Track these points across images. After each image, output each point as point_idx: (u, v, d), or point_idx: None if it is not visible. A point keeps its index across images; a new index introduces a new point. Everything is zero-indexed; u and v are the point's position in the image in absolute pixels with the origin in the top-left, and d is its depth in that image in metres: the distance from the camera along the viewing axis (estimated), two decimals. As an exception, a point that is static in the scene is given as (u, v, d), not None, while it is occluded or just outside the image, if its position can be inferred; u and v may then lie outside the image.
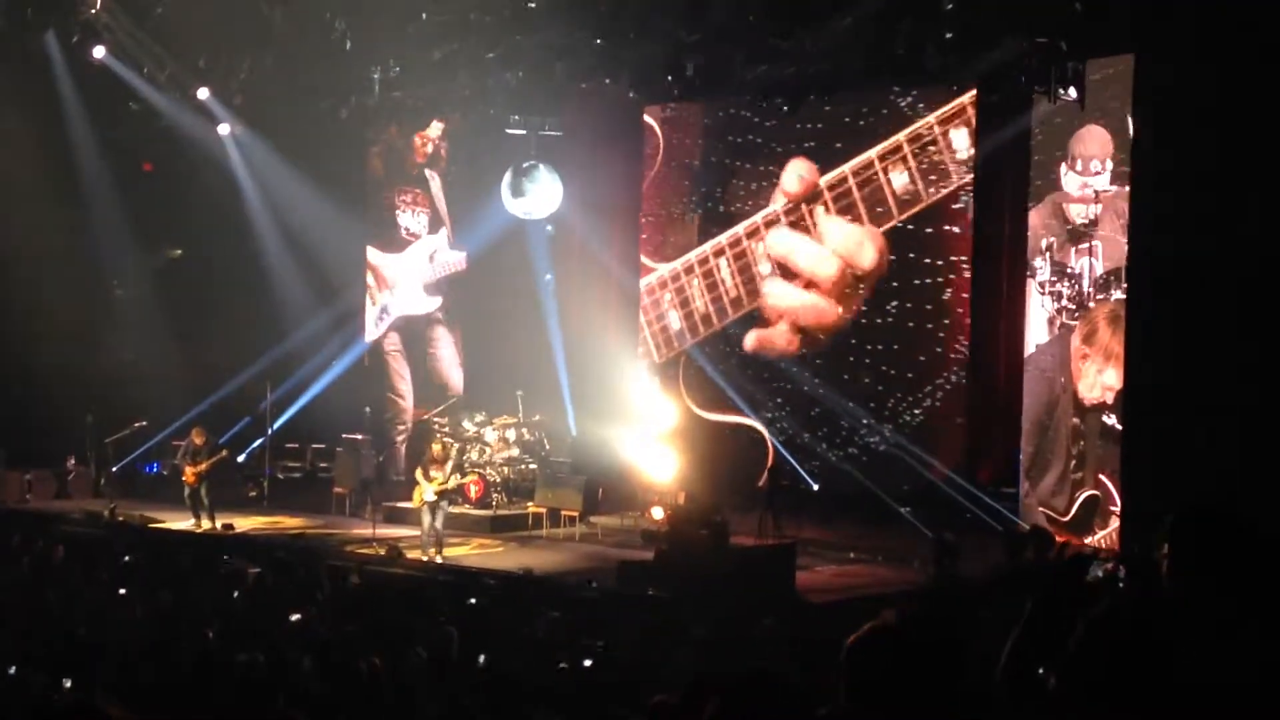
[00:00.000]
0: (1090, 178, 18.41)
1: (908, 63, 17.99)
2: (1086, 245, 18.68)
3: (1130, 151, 17.32)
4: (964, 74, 18.64)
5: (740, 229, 21.31)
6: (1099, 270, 18.60)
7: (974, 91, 19.50)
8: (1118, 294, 18.10)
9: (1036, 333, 19.11)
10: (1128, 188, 17.54)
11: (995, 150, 19.68)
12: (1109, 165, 18.22)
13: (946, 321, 20.42)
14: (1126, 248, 17.63)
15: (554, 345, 22.73)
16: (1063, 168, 18.89)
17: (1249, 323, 15.57)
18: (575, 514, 19.41)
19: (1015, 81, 17.63)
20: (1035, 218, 18.98)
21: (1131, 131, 17.17)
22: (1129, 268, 17.56)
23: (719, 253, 20.82)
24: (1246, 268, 15.64)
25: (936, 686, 2.94)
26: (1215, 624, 3.28)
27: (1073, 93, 16.98)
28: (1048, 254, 19.48)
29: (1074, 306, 19.02)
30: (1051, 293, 19.56)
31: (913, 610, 3.09)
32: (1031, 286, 19.05)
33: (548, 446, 20.93)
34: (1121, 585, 11.74)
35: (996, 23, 16.57)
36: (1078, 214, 18.85)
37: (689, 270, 20.52)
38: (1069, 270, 19.06)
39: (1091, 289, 18.71)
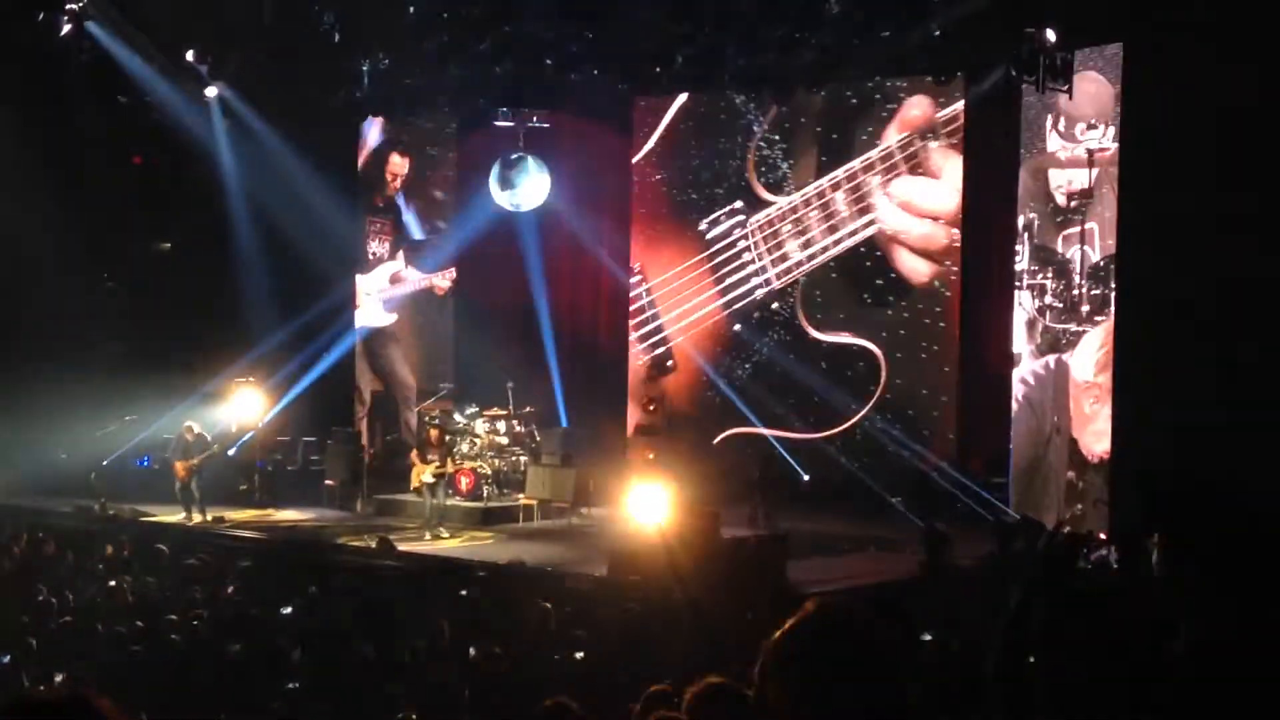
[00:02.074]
0: (1083, 136, 17.20)
1: (895, 54, 18.01)
2: (1078, 229, 17.36)
3: (1118, 151, 16.63)
4: (952, 65, 18.63)
5: (857, 164, 20.35)
6: (1094, 258, 17.30)
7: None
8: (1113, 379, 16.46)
9: (1015, 339, 18.32)
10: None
11: (982, 134, 19.60)
12: (1109, 124, 16.91)
13: (937, 308, 20.37)
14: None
15: (544, 337, 22.72)
16: (1047, 122, 18.01)
17: (1246, 327, 15.16)
18: (566, 505, 19.43)
19: (1003, 71, 17.62)
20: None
21: (1118, 127, 16.78)
22: (1118, 271, 16.58)
23: (836, 186, 20.08)
24: (1248, 274, 15.12)
25: (871, 681, 2.86)
26: (1204, 608, 3.30)
27: (1060, 82, 16.91)
28: (1026, 236, 18.54)
29: (1061, 306, 17.77)
30: (1032, 287, 18.51)
31: (840, 599, 3.02)
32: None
33: (538, 438, 20.92)
34: (1114, 568, 11.80)
35: (984, 13, 16.56)
36: (1066, 183, 17.53)
37: (807, 203, 19.80)
38: (1056, 258, 17.93)
39: (1084, 283, 17.34)
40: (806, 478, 21.04)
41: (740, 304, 20.38)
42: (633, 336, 22.85)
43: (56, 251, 21.61)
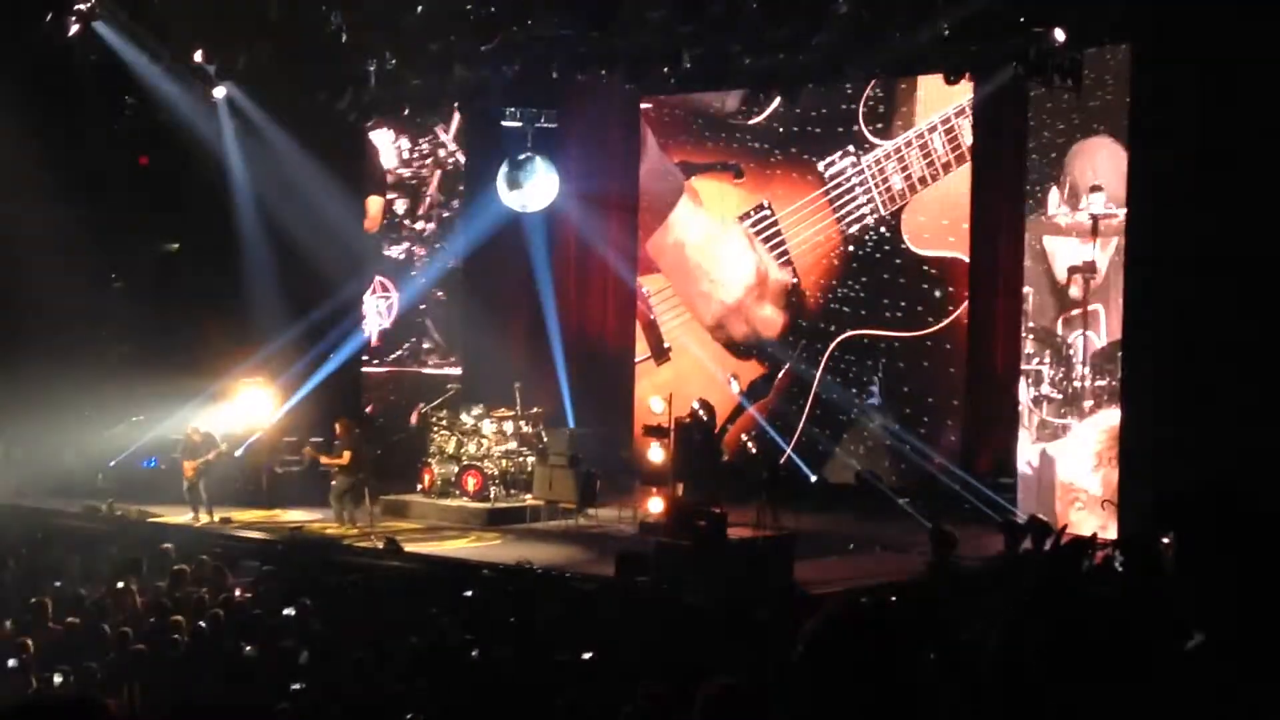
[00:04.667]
0: (1089, 195, 16.68)
1: (903, 53, 17.97)
2: (1080, 311, 16.69)
3: (1126, 157, 16.29)
4: (959, 64, 18.59)
5: (950, 110, 20.34)
6: (1098, 344, 16.60)
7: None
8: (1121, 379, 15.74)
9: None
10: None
11: (991, 134, 19.54)
12: (1119, 201, 16.22)
13: (945, 309, 20.35)
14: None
15: (551, 337, 22.71)
16: (1052, 194, 17.55)
17: (1257, 325, 14.73)
18: (573, 506, 19.44)
19: (1011, 71, 17.57)
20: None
21: (1127, 131, 16.42)
22: (1126, 277, 16.07)
23: (933, 129, 20.49)
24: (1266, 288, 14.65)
25: (899, 680, 2.83)
26: (1217, 609, 3.26)
27: (1069, 83, 16.83)
28: (1021, 316, 17.97)
29: (1060, 397, 17.07)
30: (1027, 373, 17.92)
31: (863, 598, 3.02)
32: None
33: (545, 439, 20.92)
34: (1120, 571, 11.73)
35: (992, 11, 16.52)
36: (1069, 255, 16.91)
37: (908, 144, 20.40)
38: (1055, 341, 17.28)
39: (1089, 371, 16.61)
40: (814, 478, 21.05)
41: (853, 228, 21.17)
42: (765, 262, 22.39)
43: (64, 252, 21.63)
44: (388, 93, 21.22)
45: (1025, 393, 17.93)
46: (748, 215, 22.31)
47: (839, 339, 21.37)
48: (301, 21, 19.59)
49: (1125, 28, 16.52)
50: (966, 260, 20.06)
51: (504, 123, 22.43)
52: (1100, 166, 16.75)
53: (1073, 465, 16.93)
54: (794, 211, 21.79)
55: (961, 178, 20.19)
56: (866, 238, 21.08)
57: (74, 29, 20.03)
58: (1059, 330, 17.40)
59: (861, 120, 21.39)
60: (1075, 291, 16.91)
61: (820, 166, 21.44)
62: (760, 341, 22.13)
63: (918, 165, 20.76)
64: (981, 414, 19.92)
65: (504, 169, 22.52)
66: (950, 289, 20.37)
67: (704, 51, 18.87)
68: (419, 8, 19.00)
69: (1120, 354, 16.23)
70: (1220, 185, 14.95)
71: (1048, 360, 17.48)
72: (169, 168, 23.08)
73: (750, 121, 21.90)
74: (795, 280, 21.76)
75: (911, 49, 17.74)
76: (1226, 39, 14.92)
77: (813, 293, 21.77)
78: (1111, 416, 16.29)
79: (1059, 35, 16.39)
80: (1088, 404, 16.87)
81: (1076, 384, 16.96)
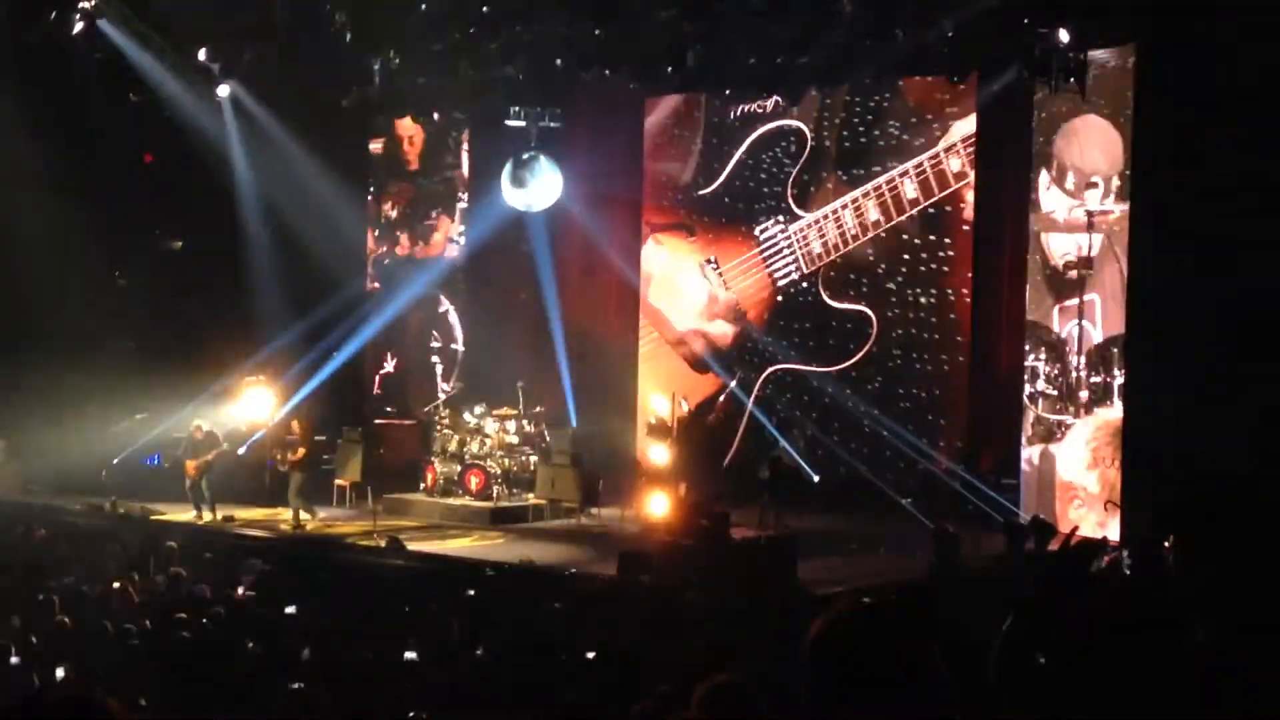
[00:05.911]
0: (1085, 191, 16.58)
1: (908, 54, 17.95)
2: (1075, 302, 16.76)
3: (1131, 156, 16.30)
4: (965, 63, 18.57)
5: (871, 186, 21.18)
6: (1095, 339, 16.66)
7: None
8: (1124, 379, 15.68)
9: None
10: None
11: (995, 134, 19.55)
12: (1112, 183, 16.32)
13: (948, 309, 20.33)
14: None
15: (555, 337, 22.71)
16: (1042, 178, 17.54)
17: (1261, 323, 14.83)
18: (575, 505, 19.43)
19: (1016, 71, 17.55)
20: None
21: (1132, 132, 16.35)
22: (1130, 275, 16.03)
23: (845, 206, 21.52)
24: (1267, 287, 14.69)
25: (906, 679, 2.81)
26: (1221, 607, 3.26)
27: (1074, 83, 16.80)
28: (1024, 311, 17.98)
29: (1057, 394, 17.08)
30: (1024, 369, 17.90)
31: (872, 597, 3.00)
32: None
33: (548, 438, 20.91)
34: (1128, 572, 11.72)
35: (998, 11, 16.50)
36: (1064, 249, 16.90)
37: (825, 218, 21.63)
38: (1050, 337, 17.29)
39: (1084, 367, 16.70)
40: (816, 478, 21.00)
41: (782, 282, 22.15)
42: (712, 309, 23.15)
43: (68, 249, 21.65)
44: (392, 91, 21.23)
45: (1023, 389, 17.88)
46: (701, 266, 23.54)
47: (770, 369, 22.17)
48: (306, 20, 19.60)
49: (1131, 29, 16.50)
50: (870, 312, 20.93)
51: (508, 122, 22.42)
52: (1098, 156, 16.64)
53: (1071, 463, 16.90)
54: (736, 265, 22.80)
55: (868, 244, 21.10)
56: (792, 290, 22.20)
57: (78, 26, 20.03)
58: (1054, 322, 17.38)
59: (789, 193, 22.27)
60: (1071, 286, 16.89)
61: (756, 230, 22.40)
62: (714, 356, 22.79)
63: (832, 234, 21.76)
64: (984, 414, 19.89)
65: (508, 168, 22.52)
66: (865, 331, 21.13)
67: (708, 51, 18.86)
68: (423, 6, 19.01)
69: (1120, 352, 16.22)
70: (1223, 184, 14.98)
71: (1044, 356, 17.44)
72: (173, 165, 23.10)
73: (701, 191, 22.83)
74: (740, 305, 22.84)
75: (916, 49, 17.73)
76: (1231, 39, 14.93)
77: (756, 324, 22.69)
78: (1109, 413, 16.24)
79: (1064, 36, 16.37)
80: (1084, 400, 16.89)
81: (1074, 380, 16.94)
